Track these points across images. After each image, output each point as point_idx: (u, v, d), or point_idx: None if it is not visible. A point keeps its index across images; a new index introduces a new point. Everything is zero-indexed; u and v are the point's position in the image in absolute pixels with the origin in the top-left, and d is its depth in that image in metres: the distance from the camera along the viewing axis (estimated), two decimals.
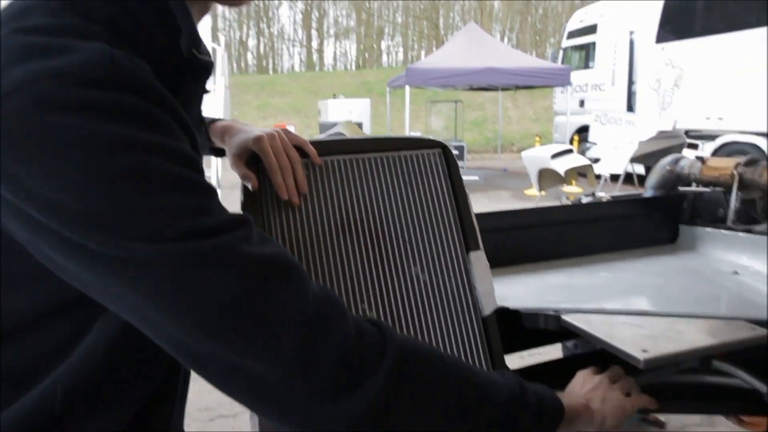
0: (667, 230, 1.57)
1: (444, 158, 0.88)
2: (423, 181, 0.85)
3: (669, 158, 1.66)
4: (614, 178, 6.74)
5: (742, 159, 1.46)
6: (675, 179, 1.62)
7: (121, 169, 0.44)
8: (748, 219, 1.42)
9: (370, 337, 0.54)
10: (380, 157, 0.84)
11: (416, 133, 10.73)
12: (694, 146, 7.24)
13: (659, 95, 8.42)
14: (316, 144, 0.81)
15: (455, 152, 0.91)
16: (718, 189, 1.56)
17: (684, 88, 7.98)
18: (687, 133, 7.03)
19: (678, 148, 5.25)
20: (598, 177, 6.54)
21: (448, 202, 0.84)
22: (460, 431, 0.57)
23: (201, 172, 0.51)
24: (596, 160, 6.78)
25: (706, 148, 7.42)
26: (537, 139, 12.03)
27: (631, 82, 9.29)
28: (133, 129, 0.45)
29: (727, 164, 1.49)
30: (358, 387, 0.51)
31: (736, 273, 1.26)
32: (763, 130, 6.66)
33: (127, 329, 0.50)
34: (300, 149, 0.78)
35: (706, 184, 1.56)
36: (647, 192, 1.66)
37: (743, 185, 1.44)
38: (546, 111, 16.38)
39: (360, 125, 9.22)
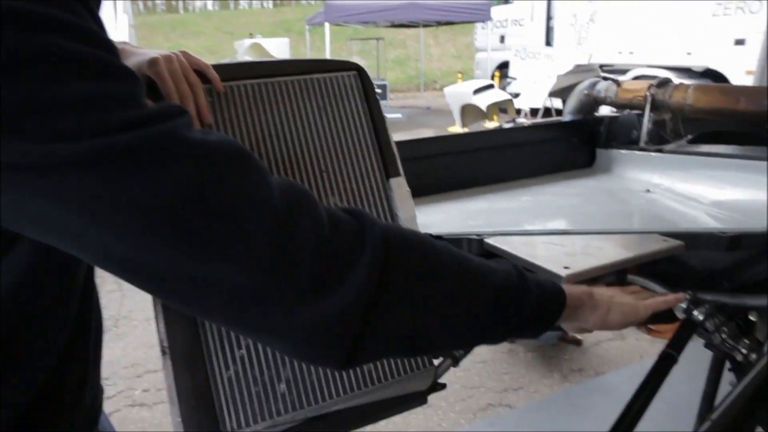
0: (584, 154, 1.60)
1: (360, 81, 0.82)
2: (338, 105, 0.79)
3: (586, 82, 1.67)
4: (534, 112, 6.90)
5: (654, 81, 1.50)
6: (592, 103, 1.64)
7: (28, 52, 0.34)
8: (660, 139, 1.47)
9: (347, 227, 0.48)
10: (291, 81, 0.78)
11: None
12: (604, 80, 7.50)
13: (576, 30, 8.58)
14: (219, 68, 0.73)
15: (378, 91, 0.86)
16: (632, 112, 1.59)
17: (599, 23, 8.17)
18: (601, 67, 7.24)
19: None
20: (519, 111, 6.67)
21: (365, 127, 0.80)
22: (459, 319, 0.53)
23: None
24: (516, 95, 6.90)
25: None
26: (459, 75, 12.05)
27: (549, 18, 9.39)
28: (40, 5, 0.35)
29: (640, 86, 1.52)
30: (340, 281, 0.45)
31: (648, 191, 1.30)
32: (671, 63, 6.98)
33: (35, 273, 0.43)
34: (201, 74, 0.70)
35: (621, 107, 1.60)
36: (566, 117, 1.68)
37: (655, 107, 1.47)
38: (467, 48, 16.38)
39: None
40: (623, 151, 1.50)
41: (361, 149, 0.79)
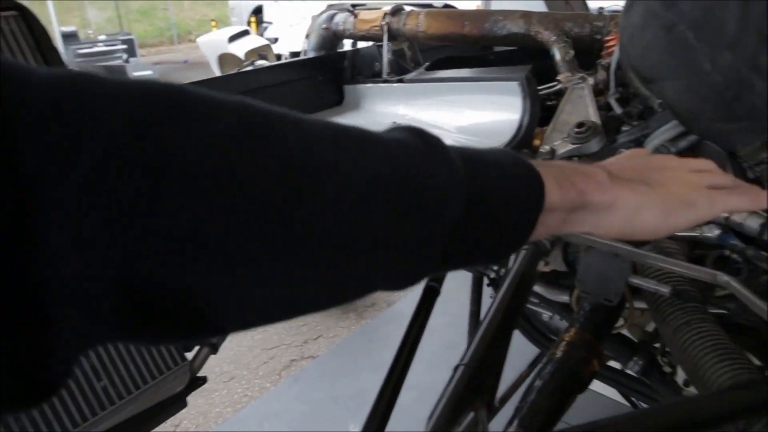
0: (332, 91, 1.52)
1: (25, 25, 0.64)
2: None
3: (324, 15, 1.58)
4: (296, 56, 6.77)
5: (389, 9, 1.46)
6: (332, 37, 1.56)
7: None
8: (402, 69, 1.45)
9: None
10: None
11: (71, 28, 9.01)
12: None
13: None
14: None
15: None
16: (373, 43, 1.55)
17: None
18: (354, 6, 7.37)
19: None
20: (279, 57, 6.48)
21: None
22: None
23: None
24: (275, 40, 6.66)
25: None
26: (213, 24, 11.30)
27: None
28: None
29: (376, 16, 1.48)
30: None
31: (395, 123, 1.28)
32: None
33: None
34: None
35: (360, 39, 1.54)
36: (309, 54, 1.58)
37: (392, 36, 1.44)
38: None
39: None
40: (368, 85, 1.45)
41: None
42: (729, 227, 0.78)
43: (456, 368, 0.55)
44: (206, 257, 0.24)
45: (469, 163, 0.35)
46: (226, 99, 0.28)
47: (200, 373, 0.86)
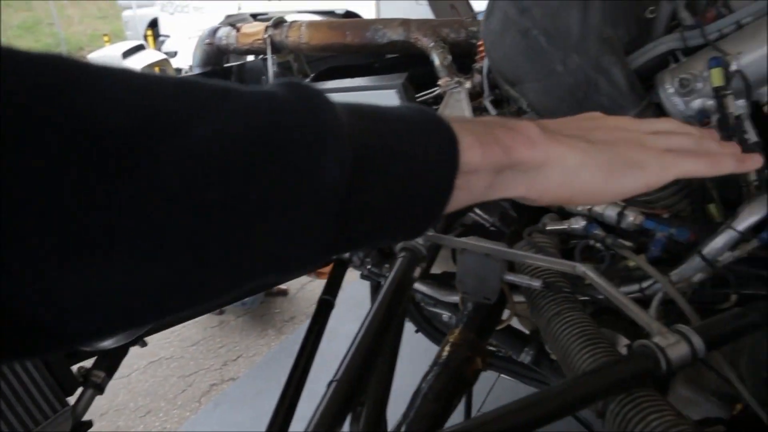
0: None
1: None
2: None
3: (206, 30, 1.54)
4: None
5: (270, 21, 1.44)
6: (216, 52, 1.52)
7: None
8: None
9: None
10: None
11: None
12: None
13: None
14: None
15: None
16: (259, 57, 1.53)
17: None
18: (255, 16, 7.25)
19: None
20: (179, 71, 6.25)
21: None
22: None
23: None
24: (174, 54, 6.42)
25: None
26: (106, 38, 10.71)
27: None
28: None
29: (258, 29, 1.45)
30: None
31: None
32: (318, 8, 7.35)
33: None
34: None
35: (245, 53, 1.51)
36: (194, 70, 1.53)
37: (276, 49, 1.42)
38: (113, 7, 14.62)
39: None
40: None
41: None
42: (593, 218, 0.84)
43: (329, 384, 0.54)
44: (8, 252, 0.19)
45: (360, 118, 0.29)
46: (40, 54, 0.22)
47: (88, 417, 0.81)
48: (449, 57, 1.23)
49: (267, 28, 1.41)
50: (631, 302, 0.64)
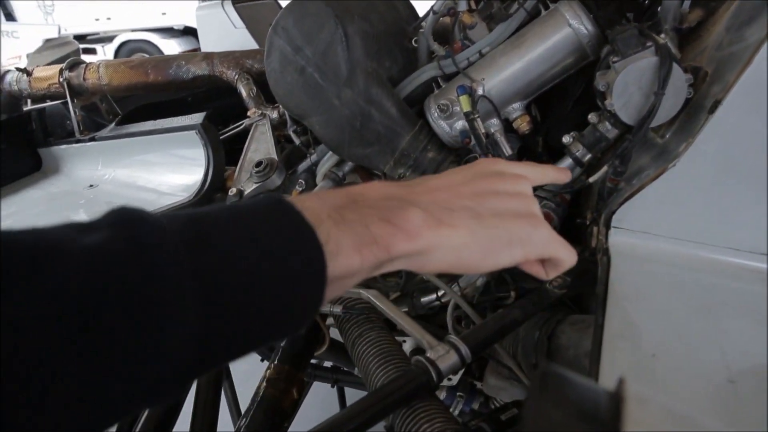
0: (27, 157, 1.37)
1: None
2: None
3: None
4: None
5: (64, 64, 1.35)
6: (10, 99, 1.40)
7: None
8: (97, 125, 1.36)
9: None
10: None
11: None
12: (91, 51, 7.02)
13: (41, 1, 7.62)
14: None
15: None
16: (59, 101, 1.43)
17: None
18: (81, 38, 6.70)
19: (74, 55, 4.92)
20: None
21: None
22: None
23: None
24: None
25: (107, 51, 7.32)
26: None
27: None
28: None
29: (53, 72, 1.36)
30: None
31: (91, 186, 1.20)
32: (154, 25, 6.97)
33: None
34: None
35: (42, 99, 1.41)
36: None
37: (76, 92, 1.34)
38: None
39: None
40: (63, 147, 1.34)
41: None
42: None
43: None
44: None
45: (203, 249, 0.27)
46: None
47: None
48: (254, 88, 1.24)
49: (61, 71, 1.33)
50: (408, 320, 0.70)
